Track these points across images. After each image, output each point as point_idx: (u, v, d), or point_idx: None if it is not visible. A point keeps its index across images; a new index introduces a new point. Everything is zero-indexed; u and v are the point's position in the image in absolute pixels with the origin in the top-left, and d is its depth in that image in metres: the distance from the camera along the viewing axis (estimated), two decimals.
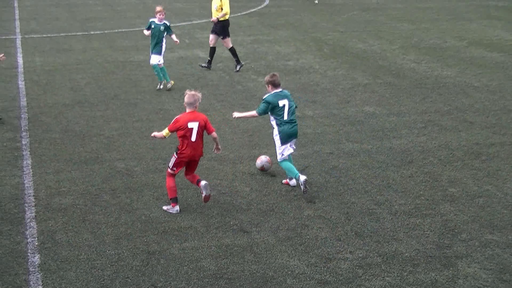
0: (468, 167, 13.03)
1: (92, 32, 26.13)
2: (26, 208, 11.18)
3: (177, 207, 11.16)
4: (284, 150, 12.01)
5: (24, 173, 12.73)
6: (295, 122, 12.06)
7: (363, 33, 26.18)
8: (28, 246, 9.93)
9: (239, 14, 30.66)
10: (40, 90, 18.35)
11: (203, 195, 11.05)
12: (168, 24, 18.46)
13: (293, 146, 12.16)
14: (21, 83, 18.98)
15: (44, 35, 25.53)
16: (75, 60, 21.70)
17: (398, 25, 27.97)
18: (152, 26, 18.30)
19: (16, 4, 33.15)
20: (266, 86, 12.23)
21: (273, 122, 12.12)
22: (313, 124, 15.60)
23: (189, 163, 11.31)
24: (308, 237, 10.23)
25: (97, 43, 24.24)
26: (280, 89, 12.13)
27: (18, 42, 24.39)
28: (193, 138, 11.09)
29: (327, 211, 11.10)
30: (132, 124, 15.60)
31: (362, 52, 23.05)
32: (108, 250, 9.80)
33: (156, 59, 18.29)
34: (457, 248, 9.88)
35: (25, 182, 12.30)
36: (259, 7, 32.73)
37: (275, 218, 10.86)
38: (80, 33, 25.93)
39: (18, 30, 26.69)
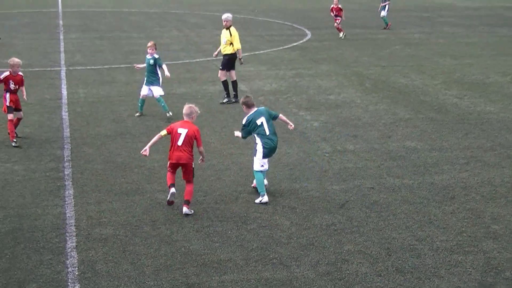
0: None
1: (135, 65, 26.38)
2: (67, 238, 11.27)
3: (172, 189, 12.40)
4: (264, 163, 13.10)
5: (66, 203, 12.84)
6: (275, 135, 13.27)
7: (405, 68, 26.11)
8: (68, 275, 9.98)
9: (281, 48, 30.78)
10: (83, 121, 18.55)
11: (167, 199, 12.54)
12: (156, 57, 19.10)
13: (266, 163, 13.26)
14: (65, 114, 19.21)
15: (88, 67, 25.87)
16: (118, 92, 21.93)
17: (440, 60, 27.84)
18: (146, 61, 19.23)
19: (61, 37, 33.67)
20: (242, 107, 13.53)
21: (258, 138, 13.15)
22: (354, 158, 15.54)
23: (179, 166, 12.58)
24: (348, 272, 10.14)
25: (140, 75, 24.43)
26: (254, 109, 13.35)
27: (63, 74, 24.74)
28: (179, 143, 12.43)
29: (367, 246, 11.01)
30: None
31: (404, 87, 22.97)
32: (148, 282, 9.82)
33: (158, 91, 18.98)
34: (500, 286, 9.72)
35: (66, 212, 12.41)
36: (301, 41, 32.84)
37: (315, 252, 10.80)
38: (124, 66, 26.22)
39: (63, 62, 27.09)
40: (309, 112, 19.60)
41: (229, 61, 20.71)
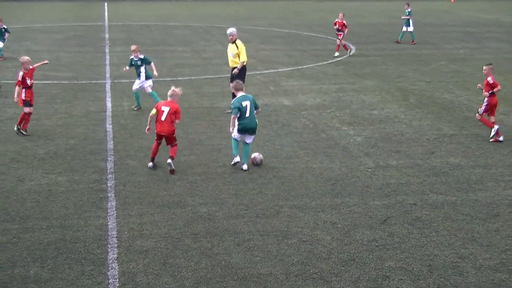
0: None
1: (179, 78, 26.58)
2: (109, 249, 11.34)
3: (150, 164, 15.72)
4: (237, 136, 15.89)
5: (108, 214, 12.93)
6: (254, 118, 15.89)
7: (449, 84, 25.89)
8: (109, 287, 10.04)
9: (325, 62, 30.75)
10: (126, 133, 18.70)
11: (169, 169, 15.40)
12: (143, 57, 21.85)
13: (250, 140, 16.05)
14: (109, 127, 19.38)
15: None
16: None
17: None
18: (132, 63, 21.89)
19: (107, 50, 34.02)
20: (233, 91, 16.62)
21: (234, 118, 15.78)
22: (397, 174, 15.43)
23: (162, 137, 15.66)
24: None
25: (184, 88, 24.57)
26: (243, 93, 16.11)
27: (108, 86, 24.98)
28: (163, 118, 15.45)
29: (409, 262, 10.91)
30: (216, 169, 15.71)
31: (449, 103, 22.77)
32: None
33: (149, 84, 21.75)
34: None
35: (108, 223, 12.49)
36: (345, 56, 32.76)
37: (355, 268, 10.72)
38: (168, 79, 26.39)
39: (108, 75, 27.36)
40: (352, 127, 19.53)
41: (239, 74, 20.80)
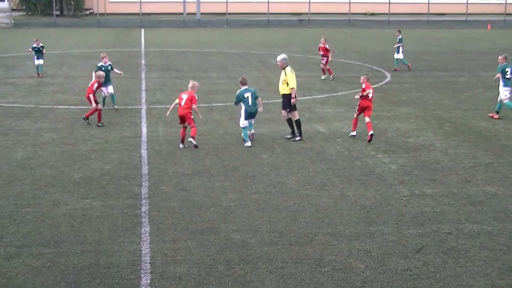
0: None
1: (214, 104, 26.68)
2: (142, 275, 11.36)
3: (181, 145, 20.06)
4: (246, 123, 20.36)
5: (142, 240, 12.96)
6: (255, 106, 20.39)
7: (486, 112, 25.66)
8: None
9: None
10: (161, 159, 18.78)
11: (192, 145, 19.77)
12: (111, 63, 26.36)
13: (252, 121, 20.82)
14: (144, 152, 19.49)
15: (168, 106, 26.12)
16: (197, 131, 22.11)
17: None
18: (103, 68, 25.42)
19: (143, 76, 34.28)
20: (240, 85, 20.79)
21: (243, 106, 20.28)
22: (432, 202, 15.29)
23: (183, 119, 19.95)
24: None
25: (218, 114, 24.71)
26: (246, 87, 20.59)
27: (143, 112, 25.15)
28: (182, 103, 19.85)
29: None
30: (250, 196, 15.70)
31: (485, 131, 22.57)
32: None
33: (111, 89, 25.55)
34: None
35: (142, 249, 12.52)
36: (381, 83, 32.68)
37: None
38: (203, 105, 26.48)
39: (144, 100, 27.56)
40: (387, 155, 19.43)
41: (288, 101, 20.90)
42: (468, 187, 16.50)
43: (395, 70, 37.33)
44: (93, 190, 16.03)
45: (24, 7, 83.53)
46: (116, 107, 25.83)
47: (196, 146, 19.62)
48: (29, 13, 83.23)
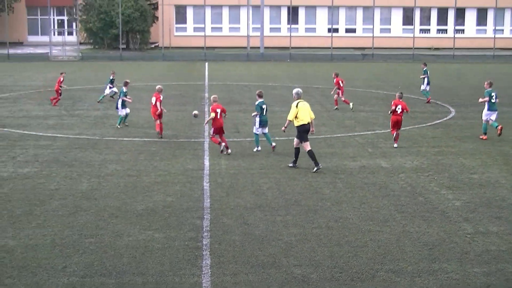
0: None
1: (276, 138, 26.70)
2: None
3: (221, 145, 23.95)
4: (258, 129, 24.17)
5: (203, 273, 12.99)
6: (266, 116, 24.31)
7: None
8: None
9: (424, 125, 30.42)
10: (223, 192, 18.85)
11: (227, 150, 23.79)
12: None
13: (265, 130, 24.36)
14: (206, 185, 19.59)
15: (231, 139, 26.37)
16: (259, 164, 22.19)
17: None
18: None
19: (206, 109, 34.55)
20: (257, 97, 24.43)
21: (257, 115, 24.11)
22: (498, 241, 15.00)
23: (219, 130, 23.77)
24: None
25: (281, 149, 24.70)
26: (262, 99, 24.33)
27: (206, 145, 25.32)
28: (218, 116, 23.53)
29: None
30: (311, 230, 15.63)
31: None
32: None
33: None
34: None
35: (203, 282, 12.54)
36: (445, 119, 32.36)
37: None
38: (265, 139, 26.54)
39: (207, 133, 27.73)
40: (451, 191, 19.16)
41: (298, 133, 21.74)
42: None
43: (427, 102, 38.02)
44: (156, 221, 16.15)
45: (91, 41, 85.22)
46: (126, 124, 29.50)
47: (228, 148, 23.94)
48: (96, 46, 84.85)
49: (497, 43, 78.03)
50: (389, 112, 25.54)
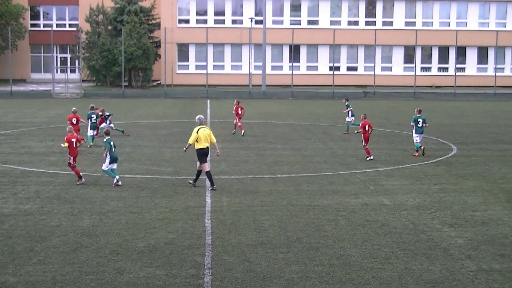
0: None
1: (278, 175, 26.70)
2: None
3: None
4: (108, 166, 24.31)
5: None
6: (115, 152, 24.66)
7: None
8: None
9: (426, 162, 30.41)
10: (225, 229, 18.79)
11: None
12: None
13: (114, 166, 24.56)
14: (208, 222, 19.54)
15: (233, 177, 26.36)
16: (260, 201, 22.16)
17: None
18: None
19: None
20: (104, 134, 25.12)
21: (107, 152, 24.26)
22: (501, 278, 14.92)
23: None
24: None
25: (282, 186, 24.70)
26: (109, 137, 24.61)
27: (208, 182, 25.28)
28: (74, 145, 24.40)
29: None
30: (313, 268, 15.55)
31: None
32: None
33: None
34: None
35: None
36: (447, 156, 32.36)
37: None
38: (267, 176, 26.56)
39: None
40: (453, 229, 19.10)
41: (198, 155, 24.11)
42: None
43: (345, 133, 41.04)
44: (157, 259, 16.09)
45: (94, 78, 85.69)
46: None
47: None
48: (99, 84, 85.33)
49: (498, 81, 78.41)
50: (356, 132, 32.43)
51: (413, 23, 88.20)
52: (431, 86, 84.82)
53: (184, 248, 16.98)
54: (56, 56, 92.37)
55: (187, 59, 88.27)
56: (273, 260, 16.01)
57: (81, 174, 24.83)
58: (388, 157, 31.93)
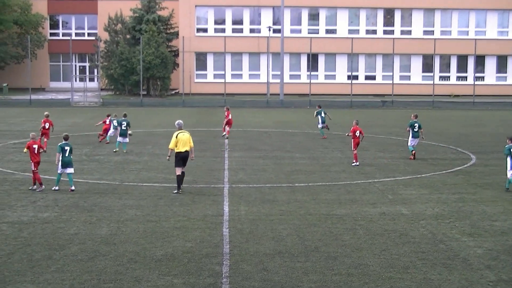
0: None
1: (296, 184, 26.66)
2: None
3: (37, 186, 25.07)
4: (61, 169, 24.94)
5: None
6: (70, 157, 25.03)
7: None
8: None
9: (444, 171, 30.28)
10: (243, 238, 18.77)
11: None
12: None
13: (68, 171, 24.98)
14: (226, 231, 19.53)
15: (251, 185, 26.35)
16: (278, 210, 22.12)
17: None
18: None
19: (226, 155, 34.61)
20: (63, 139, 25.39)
21: (59, 156, 24.94)
22: None
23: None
24: None
25: (300, 195, 24.66)
26: (66, 141, 25.11)
27: (226, 191, 25.29)
28: (35, 151, 24.97)
29: None
30: (331, 277, 15.50)
31: None
32: None
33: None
34: None
35: None
36: (465, 165, 32.21)
37: None
38: (285, 185, 26.53)
39: (226, 179, 27.75)
40: (472, 238, 18.98)
41: (175, 158, 24.84)
42: None
43: (323, 138, 42.48)
44: (175, 267, 16.09)
45: (112, 87, 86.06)
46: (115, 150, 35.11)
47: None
48: (117, 92, 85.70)
49: None
50: (347, 134, 33.53)
51: (432, 32, 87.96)
52: (449, 95, 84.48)
53: (202, 256, 16.97)
54: (75, 65, 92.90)
55: (205, 68, 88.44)
56: (291, 269, 15.97)
57: (42, 181, 25.28)
58: (406, 166, 31.82)
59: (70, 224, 20.16)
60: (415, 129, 34.03)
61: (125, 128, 35.73)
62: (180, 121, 25.70)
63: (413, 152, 33.85)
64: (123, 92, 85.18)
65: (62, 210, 21.86)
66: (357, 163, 31.67)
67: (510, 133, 34.49)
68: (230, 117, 42.19)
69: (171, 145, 24.93)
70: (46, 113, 37.89)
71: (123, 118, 36.28)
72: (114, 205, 22.75)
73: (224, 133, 42.42)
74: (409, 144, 34.38)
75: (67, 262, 16.42)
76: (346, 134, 33.67)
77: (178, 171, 24.74)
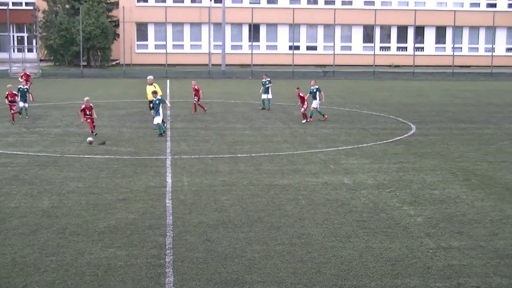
0: None
1: (239, 155, 26.70)
2: None
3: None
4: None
5: None
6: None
7: None
8: None
9: (385, 141, 30.63)
10: (186, 209, 18.76)
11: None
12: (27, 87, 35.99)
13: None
14: (169, 202, 19.49)
15: (193, 156, 26.31)
16: (221, 181, 22.15)
17: None
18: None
19: (168, 126, 34.45)
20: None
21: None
22: (459, 255, 15.11)
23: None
24: None
25: (243, 165, 24.71)
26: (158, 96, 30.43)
27: (168, 162, 25.21)
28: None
29: None
30: (274, 247, 15.61)
31: None
32: None
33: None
34: None
35: None
36: (406, 135, 32.61)
37: None
38: (227, 156, 26.55)
39: (168, 151, 27.65)
40: (412, 207, 19.28)
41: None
42: (496, 240, 16.30)
43: (262, 108, 42.67)
44: (118, 239, 16.02)
45: (52, 58, 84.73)
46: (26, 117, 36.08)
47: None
48: (57, 63, 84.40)
49: (455, 61, 78.95)
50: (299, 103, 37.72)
51: (372, 3, 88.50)
52: (390, 66, 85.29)
53: (145, 228, 16.92)
54: (13, 35, 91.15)
55: (146, 39, 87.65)
56: (234, 240, 16.03)
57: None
58: (348, 136, 32.09)
59: (10, 197, 19.89)
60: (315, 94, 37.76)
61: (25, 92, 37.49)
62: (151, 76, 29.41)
63: (325, 116, 37.75)
64: (63, 63, 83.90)
65: (2, 183, 21.54)
66: (306, 121, 36.54)
67: (449, 103, 35.04)
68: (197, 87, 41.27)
69: (161, 92, 29.92)
70: (9, 85, 37.30)
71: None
72: (55, 177, 22.50)
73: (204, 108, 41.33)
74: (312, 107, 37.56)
75: (8, 236, 16.22)
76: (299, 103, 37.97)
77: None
